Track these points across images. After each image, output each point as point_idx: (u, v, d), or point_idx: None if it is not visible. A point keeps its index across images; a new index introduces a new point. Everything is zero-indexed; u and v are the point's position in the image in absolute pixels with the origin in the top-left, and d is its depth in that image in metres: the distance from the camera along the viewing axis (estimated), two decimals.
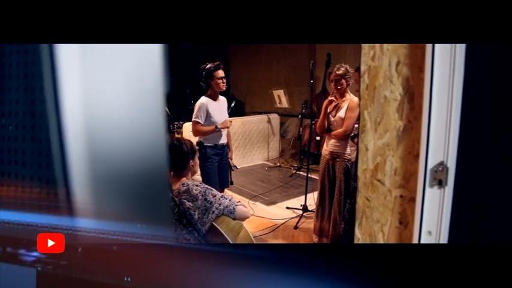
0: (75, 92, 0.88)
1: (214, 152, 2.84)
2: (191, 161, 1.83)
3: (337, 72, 2.66)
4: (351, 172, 2.62)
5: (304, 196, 3.52)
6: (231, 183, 3.15)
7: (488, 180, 0.89)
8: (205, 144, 2.82)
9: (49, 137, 0.88)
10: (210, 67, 2.77)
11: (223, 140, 2.90)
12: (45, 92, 0.88)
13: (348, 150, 2.66)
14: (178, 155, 1.79)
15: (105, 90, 0.90)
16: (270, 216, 3.56)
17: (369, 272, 0.97)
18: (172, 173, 1.82)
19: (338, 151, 2.69)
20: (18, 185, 0.96)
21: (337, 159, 2.69)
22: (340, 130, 2.67)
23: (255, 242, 1.88)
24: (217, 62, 2.81)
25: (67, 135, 0.86)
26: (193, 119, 2.80)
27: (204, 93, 2.87)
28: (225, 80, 2.82)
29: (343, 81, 2.64)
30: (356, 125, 2.59)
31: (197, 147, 1.98)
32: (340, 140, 2.67)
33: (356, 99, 2.56)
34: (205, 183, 1.90)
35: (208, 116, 2.78)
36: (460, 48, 0.85)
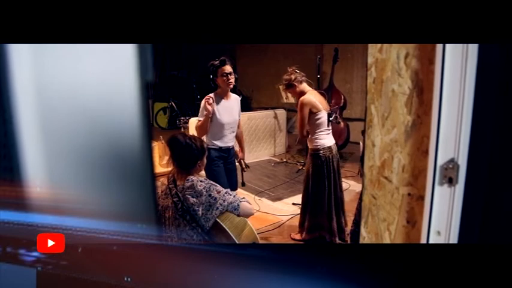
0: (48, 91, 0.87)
1: (218, 155, 2.63)
2: (199, 162, 1.82)
3: (286, 89, 2.88)
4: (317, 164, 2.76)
5: None
6: (243, 184, 3.01)
7: (501, 178, 0.85)
8: (209, 146, 2.55)
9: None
10: (215, 63, 2.56)
11: (229, 143, 2.68)
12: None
13: (315, 146, 2.78)
14: (188, 154, 1.78)
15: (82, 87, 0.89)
16: (276, 212, 3.54)
17: (370, 272, 0.94)
18: (178, 169, 1.81)
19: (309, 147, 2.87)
20: (18, 185, 0.95)
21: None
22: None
23: (259, 240, 1.86)
24: (222, 58, 2.56)
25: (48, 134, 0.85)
26: (198, 118, 2.63)
27: (204, 88, 2.77)
28: (232, 76, 2.56)
29: (294, 87, 2.79)
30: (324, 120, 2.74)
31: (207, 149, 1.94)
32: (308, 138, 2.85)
33: (303, 97, 2.73)
34: None
35: (213, 114, 2.54)
36: None
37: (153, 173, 0.92)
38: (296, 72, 2.78)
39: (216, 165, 2.61)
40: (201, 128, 2.57)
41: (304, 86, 2.78)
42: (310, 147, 2.83)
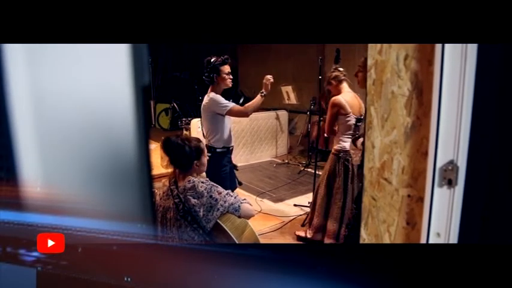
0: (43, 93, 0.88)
1: (226, 158, 2.59)
2: (196, 161, 1.80)
3: (327, 85, 2.87)
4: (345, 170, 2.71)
5: (312, 193, 3.49)
6: (240, 183, 2.94)
7: (501, 180, 0.84)
8: (218, 150, 2.52)
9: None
10: (216, 61, 2.50)
11: (233, 142, 2.68)
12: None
13: (337, 147, 2.77)
14: (181, 155, 1.77)
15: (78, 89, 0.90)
16: (278, 213, 3.53)
17: (370, 272, 0.94)
18: (177, 170, 1.81)
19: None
20: (18, 185, 0.95)
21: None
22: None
23: (260, 241, 1.86)
24: (225, 56, 2.53)
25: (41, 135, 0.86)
26: (230, 108, 2.47)
27: (206, 90, 2.61)
28: (231, 76, 2.56)
29: (332, 85, 2.82)
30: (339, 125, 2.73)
31: (205, 149, 1.91)
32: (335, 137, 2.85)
33: (334, 97, 2.72)
34: None
35: (219, 114, 2.49)
36: None
37: (150, 173, 0.92)
38: (338, 70, 2.77)
39: (225, 172, 2.57)
40: (255, 107, 2.55)
41: (343, 86, 2.77)
42: (333, 147, 2.82)
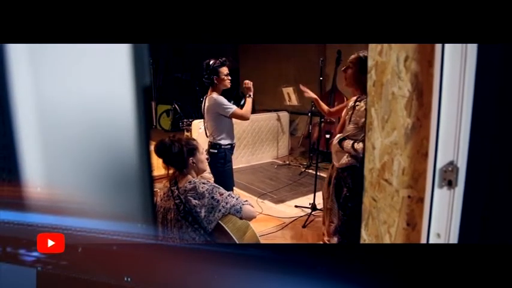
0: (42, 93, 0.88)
1: (230, 154, 2.77)
2: (191, 158, 1.79)
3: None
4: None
5: (313, 194, 3.49)
6: None
7: (501, 180, 0.84)
8: (223, 146, 2.70)
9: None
10: (215, 63, 2.67)
11: (235, 139, 2.86)
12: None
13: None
14: (172, 154, 1.77)
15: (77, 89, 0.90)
16: (279, 214, 3.53)
17: (370, 272, 0.94)
18: (175, 170, 1.81)
19: None
20: (18, 185, 0.96)
21: None
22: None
23: (261, 243, 1.85)
24: (223, 58, 2.70)
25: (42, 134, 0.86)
26: (233, 111, 2.66)
27: (206, 91, 2.78)
28: (230, 78, 2.73)
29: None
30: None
31: (200, 146, 1.92)
32: None
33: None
34: (223, 187, 1.84)
35: (223, 113, 2.68)
36: None
37: (151, 174, 0.92)
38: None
39: (228, 167, 2.77)
40: (251, 108, 2.77)
41: None
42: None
